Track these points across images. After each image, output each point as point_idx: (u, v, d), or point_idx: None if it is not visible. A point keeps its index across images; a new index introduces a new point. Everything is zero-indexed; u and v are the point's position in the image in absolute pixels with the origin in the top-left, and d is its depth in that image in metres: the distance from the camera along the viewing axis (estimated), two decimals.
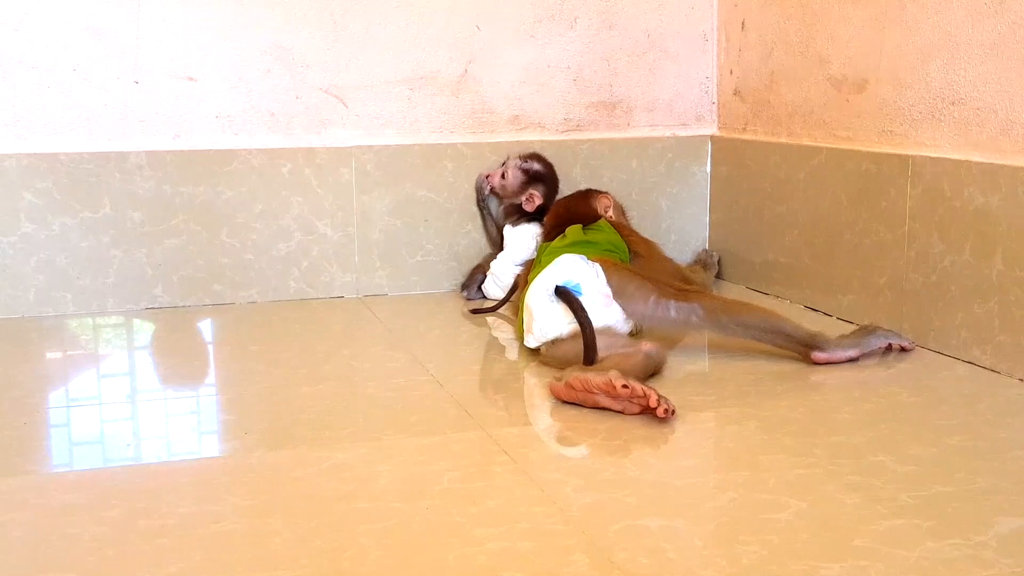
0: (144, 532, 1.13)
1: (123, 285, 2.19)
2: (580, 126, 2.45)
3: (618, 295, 1.74)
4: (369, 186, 2.31)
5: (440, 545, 1.10)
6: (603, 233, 1.98)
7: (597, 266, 1.77)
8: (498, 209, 2.36)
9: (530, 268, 1.93)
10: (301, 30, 2.24)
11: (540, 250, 1.96)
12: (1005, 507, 1.17)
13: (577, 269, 1.75)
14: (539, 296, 1.74)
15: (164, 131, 2.20)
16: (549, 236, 2.05)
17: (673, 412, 1.46)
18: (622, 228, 2.06)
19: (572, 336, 1.67)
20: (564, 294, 1.69)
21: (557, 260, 1.78)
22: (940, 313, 1.79)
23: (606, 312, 1.72)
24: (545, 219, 2.19)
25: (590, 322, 1.63)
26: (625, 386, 1.46)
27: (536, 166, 2.30)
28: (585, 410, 1.52)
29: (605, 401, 1.50)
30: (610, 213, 2.13)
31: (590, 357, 1.60)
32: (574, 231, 1.96)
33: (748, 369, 1.73)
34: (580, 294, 1.69)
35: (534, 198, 2.27)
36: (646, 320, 1.78)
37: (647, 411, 1.47)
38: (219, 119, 2.23)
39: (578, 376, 1.52)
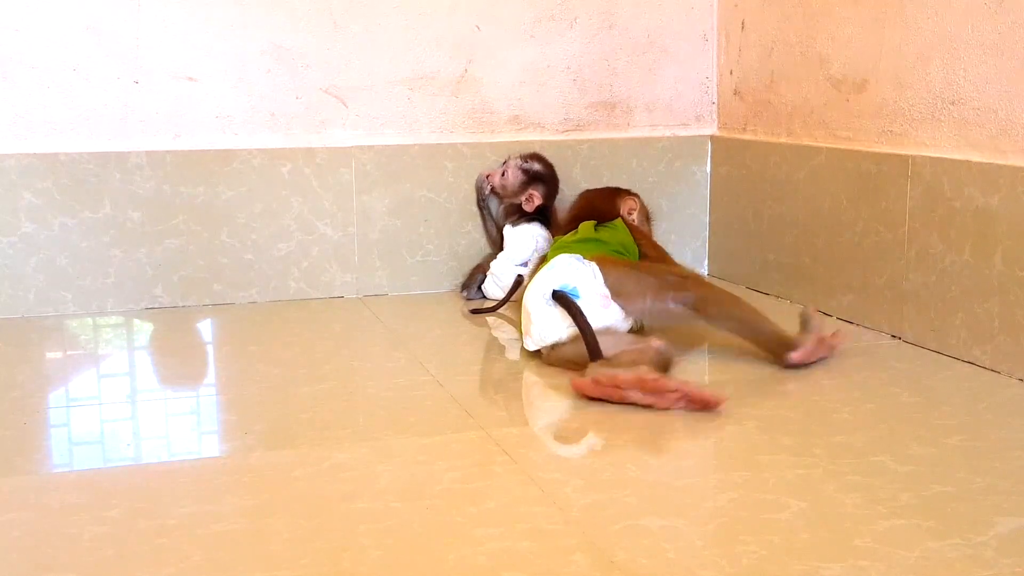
0: (144, 532, 1.13)
1: (123, 285, 2.19)
2: (580, 126, 2.45)
3: (616, 294, 1.72)
4: (369, 186, 2.30)
5: (440, 545, 1.10)
6: (616, 233, 1.94)
7: (593, 265, 1.73)
8: (498, 209, 2.36)
9: (540, 264, 1.90)
10: (301, 30, 2.24)
11: (554, 243, 1.94)
12: (1005, 507, 1.17)
13: (573, 271, 1.71)
14: (536, 300, 1.71)
15: (164, 131, 2.20)
16: (566, 228, 2.02)
17: (719, 403, 1.48)
18: (637, 232, 2.01)
19: (572, 340, 1.66)
20: (561, 299, 1.66)
21: (552, 263, 1.75)
22: (940, 313, 1.79)
23: (605, 313, 1.69)
24: (569, 208, 2.17)
25: (589, 326, 1.61)
26: (656, 380, 1.47)
27: (536, 166, 2.30)
28: (584, 410, 1.52)
29: (635, 396, 1.49)
30: (633, 216, 2.10)
31: (595, 359, 1.59)
32: (586, 228, 1.93)
33: (748, 369, 1.73)
34: (578, 297, 1.66)
35: (534, 198, 2.27)
36: (645, 315, 1.76)
37: (689, 405, 1.48)
38: (219, 119, 2.23)
39: (605, 372, 1.51)
